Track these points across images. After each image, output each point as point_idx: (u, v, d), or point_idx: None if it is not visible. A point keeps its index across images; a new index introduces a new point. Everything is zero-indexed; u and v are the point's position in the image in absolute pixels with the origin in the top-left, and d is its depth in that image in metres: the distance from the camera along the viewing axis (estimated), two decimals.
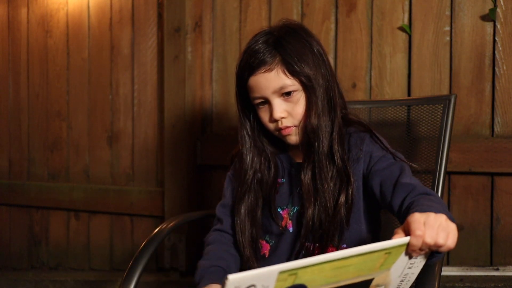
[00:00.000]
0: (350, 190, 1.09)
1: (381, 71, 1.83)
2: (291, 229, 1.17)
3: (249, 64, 1.10)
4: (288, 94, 1.09)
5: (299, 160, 1.19)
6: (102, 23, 2.35)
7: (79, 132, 2.41)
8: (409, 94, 1.80)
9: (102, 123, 2.36)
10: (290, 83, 1.08)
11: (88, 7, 2.37)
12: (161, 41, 2.18)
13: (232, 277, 0.71)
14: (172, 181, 2.11)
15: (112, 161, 2.34)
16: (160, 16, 2.21)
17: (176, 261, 2.10)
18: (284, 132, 1.11)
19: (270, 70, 1.08)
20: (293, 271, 0.74)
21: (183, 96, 2.07)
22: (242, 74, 1.12)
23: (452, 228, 0.80)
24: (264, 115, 1.13)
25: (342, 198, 1.09)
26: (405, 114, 1.46)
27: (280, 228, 1.16)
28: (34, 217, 2.53)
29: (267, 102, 1.11)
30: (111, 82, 2.33)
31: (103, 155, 2.36)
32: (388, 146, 1.13)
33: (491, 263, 1.73)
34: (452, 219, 0.90)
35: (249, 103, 1.16)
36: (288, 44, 1.09)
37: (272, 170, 1.19)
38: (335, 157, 1.10)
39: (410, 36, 1.80)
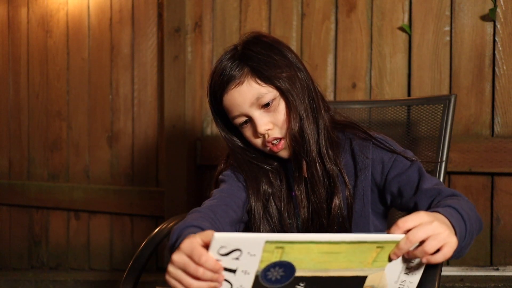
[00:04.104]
0: (347, 193, 1.06)
1: (381, 71, 1.83)
2: None
3: (219, 83, 1.04)
4: (267, 105, 1.03)
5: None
6: (102, 23, 2.35)
7: (79, 132, 2.41)
8: (409, 94, 1.80)
9: (102, 123, 2.36)
10: (265, 91, 1.02)
11: (88, 7, 2.37)
12: (161, 41, 2.18)
13: (218, 236, 0.71)
14: (172, 181, 2.11)
15: (112, 161, 2.34)
16: (160, 16, 2.21)
17: None
18: (276, 149, 1.05)
19: (241, 83, 1.02)
20: (280, 244, 0.73)
21: (183, 96, 2.07)
22: (215, 96, 1.07)
23: (450, 241, 0.78)
24: (250, 134, 1.07)
25: (336, 201, 1.05)
26: (405, 114, 1.46)
27: None
28: (34, 217, 2.53)
29: (249, 120, 1.05)
30: (111, 82, 2.33)
31: (103, 155, 2.36)
32: (394, 146, 1.09)
33: (491, 263, 1.73)
34: (477, 220, 0.91)
35: (232, 125, 1.10)
36: (253, 53, 1.03)
37: (284, 183, 1.12)
38: (325, 162, 1.06)
39: (410, 36, 1.80)
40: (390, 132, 1.47)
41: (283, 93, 1.03)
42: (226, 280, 0.76)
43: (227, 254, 0.74)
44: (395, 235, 0.77)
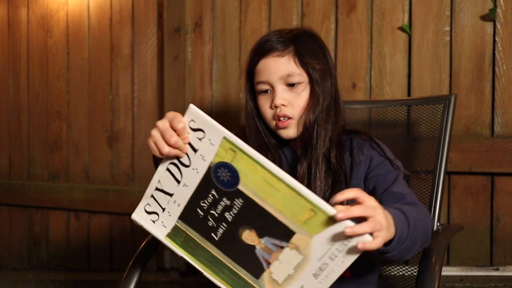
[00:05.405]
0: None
1: (381, 71, 1.83)
2: None
3: (263, 48, 1.13)
4: (293, 85, 1.11)
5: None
6: (102, 23, 2.35)
7: (79, 132, 2.41)
8: (409, 94, 1.80)
9: (102, 123, 2.36)
10: (298, 72, 1.11)
11: (88, 7, 2.37)
12: (161, 41, 2.18)
13: (193, 107, 0.85)
14: None
15: (112, 161, 2.34)
16: (160, 16, 2.21)
17: (176, 261, 2.10)
18: (281, 124, 1.12)
19: (282, 56, 1.11)
20: (233, 147, 0.83)
21: (183, 96, 2.07)
22: (254, 57, 1.15)
23: (384, 234, 0.81)
24: (265, 103, 1.14)
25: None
26: (405, 114, 1.46)
27: None
28: (34, 217, 2.53)
29: (269, 90, 1.13)
30: (111, 82, 2.33)
31: (103, 155, 2.36)
32: (387, 153, 1.14)
33: (491, 263, 1.73)
34: (424, 232, 0.95)
35: (252, 93, 1.18)
36: (302, 40, 1.13)
37: (277, 163, 1.17)
38: (332, 161, 1.11)
39: (410, 36, 1.80)
40: (390, 132, 1.47)
41: (311, 82, 1.11)
42: (187, 155, 0.88)
43: (194, 130, 0.86)
44: (329, 207, 0.79)
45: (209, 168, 0.87)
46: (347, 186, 1.10)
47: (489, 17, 1.69)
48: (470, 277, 1.68)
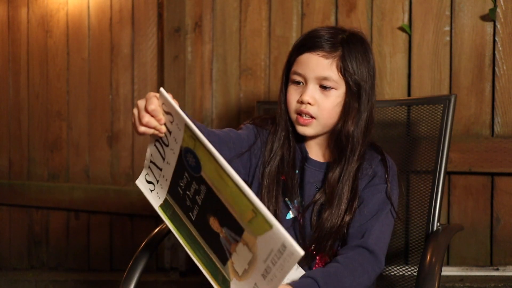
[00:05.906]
0: (353, 209, 1.12)
1: (381, 71, 1.83)
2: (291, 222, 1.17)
3: (311, 42, 1.11)
4: (325, 88, 1.10)
5: (312, 155, 1.19)
6: (102, 23, 2.35)
7: (79, 132, 2.41)
8: (409, 94, 1.80)
9: (102, 123, 2.36)
10: (335, 79, 1.10)
11: (88, 7, 2.37)
12: (161, 41, 2.18)
13: (163, 90, 0.89)
14: None
15: (112, 161, 2.34)
16: (160, 16, 2.21)
17: (176, 261, 2.10)
18: (302, 121, 1.12)
19: (327, 57, 1.10)
20: (193, 135, 0.84)
21: (183, 96, 2.07)
22: (299, 47, 1.14)
23: None
24: (293, 93, 1.14)
25: (347, 218, 1.11)
26: (405, 114, 1.46)
27: (292, 216, 1.17)
28: (34, 217, 2.53)
29: (302, 83, 1.13)
30: (111, 82, 2.33)
31: (103, 155, 2.36)
32: (391, 176, 1.15)
33: (491, 263, 1.73)
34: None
35: (287, 79, 1.17)
36: (352, 46, 1.11)
37: (292, 155, 1.18)
38: (358, 176, 1.13)
39: (410, 36, 1.80)
40: (390, 132, 1.47)
41: (349, 93, 1.10)
42: (165, 136, 0.92)
43: (166, 113, 0.90)
44: (266, 212, 0.79)
45: (181, 150, 0.89)
46: (355, 205, 1.12)
47: (489, 17, 1.69)
48: (470, 277, 1.68)
